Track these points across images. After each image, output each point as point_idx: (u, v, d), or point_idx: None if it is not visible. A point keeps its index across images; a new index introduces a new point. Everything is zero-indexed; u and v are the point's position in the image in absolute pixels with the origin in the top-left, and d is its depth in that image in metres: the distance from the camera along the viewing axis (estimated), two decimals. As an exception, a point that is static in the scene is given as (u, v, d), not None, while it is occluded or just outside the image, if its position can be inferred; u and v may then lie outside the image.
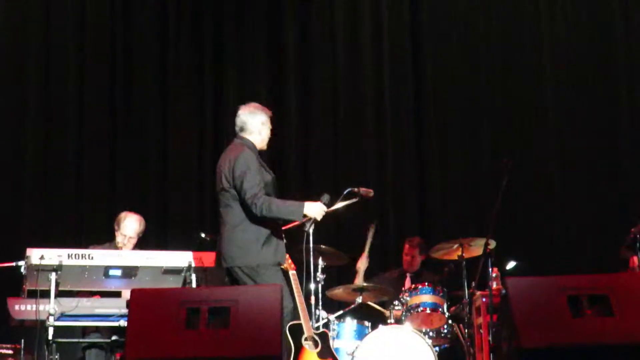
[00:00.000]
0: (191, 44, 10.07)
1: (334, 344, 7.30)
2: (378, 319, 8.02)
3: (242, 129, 6.53)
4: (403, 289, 8.02)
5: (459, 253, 7.90)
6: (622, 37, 10.10)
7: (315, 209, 6.38)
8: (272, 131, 6.68)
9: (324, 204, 6.45)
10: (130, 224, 7.51)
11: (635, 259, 8.09)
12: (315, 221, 6.49)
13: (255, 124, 6.51)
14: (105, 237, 7.71)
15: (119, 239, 7.49)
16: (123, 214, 7.60)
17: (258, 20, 10.20)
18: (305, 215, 6.35)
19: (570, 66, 10.11)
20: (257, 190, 6.22)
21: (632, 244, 8.14)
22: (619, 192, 9.60)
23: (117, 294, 6.87)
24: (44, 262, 6.29)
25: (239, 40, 10.12)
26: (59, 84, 9.76)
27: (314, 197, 9.23)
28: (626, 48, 10.08)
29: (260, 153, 6.57)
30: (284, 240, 6.45)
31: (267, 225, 6.30)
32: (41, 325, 6.31)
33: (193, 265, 6.53)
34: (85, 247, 7.14)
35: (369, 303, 8.17)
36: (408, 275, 8.84)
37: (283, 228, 6.52)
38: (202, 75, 10.05)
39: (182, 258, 6.56)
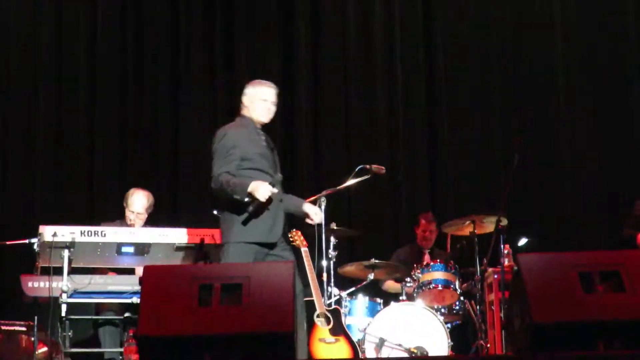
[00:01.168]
0: (202, 22, 10.06)
1: (346, 320, 7.33)
2: (390, 296, 8.05)
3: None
4: (421, 265, 8.02)
5: (471, 230, 7.90)
6: (634, 23, 10.07)
7: (259, 189, 6.07)
8: (278, 106, 6.62)
9: (271, 184, 6.21)
10: (138, 200, 7.54)
11: (642, 236, 8.09)
12: (259, 202, 6.09)
13: (245, 99, 6.51)
14: (118, 214, 7.74)
15: (129, 216, 7.52)
16: (131, 191, 7.63)
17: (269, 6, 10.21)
18: (250, 195, 6.06)
19: (582, 43, 10.09)
20: (218, 167, 6.19)
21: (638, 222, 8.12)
22: (630, 170, 9.58)
23: (130, 271, 6.90)
24: (56, 239, 6.32)
25: (249, 19, 10.13)
26: (71, 64, 9.77)
27: (325, 175, 9.32)
28: (638, 33, 10.05)
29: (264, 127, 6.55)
30: (279, 218, 6.30)
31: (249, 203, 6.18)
32: (54, 302, 6.34)
33: (205, 242, 6.54)
34: (97, 224, 7.17)
35: None
36: (426, 251, 8.85)
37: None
38: (213, 52, 10.03)
39: (194, 235, 6.57)
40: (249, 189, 6.04)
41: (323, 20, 10.14)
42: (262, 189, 6.05)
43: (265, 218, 6.20)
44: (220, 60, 9.98)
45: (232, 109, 9.68)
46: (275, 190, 6.15)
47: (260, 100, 6.46)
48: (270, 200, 6.13)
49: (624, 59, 10.01)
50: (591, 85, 9.99)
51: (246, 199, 6.06)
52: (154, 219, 7.73)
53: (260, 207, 6.13)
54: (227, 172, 6.16)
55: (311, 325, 7.03)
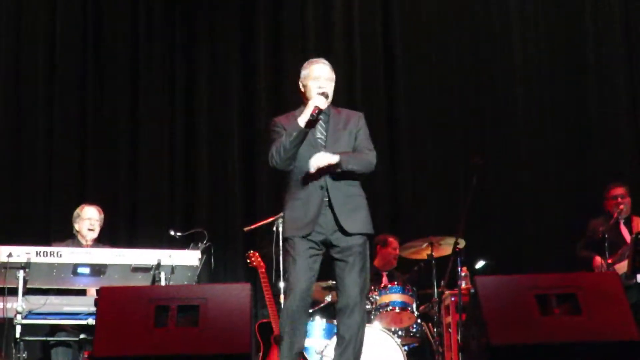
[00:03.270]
0: (163, 30, 10.08)
1: (303, 342, 7.28)
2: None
3: None
4: (379, 287, 8.02)
5: (429, 252, 7.92)
6: (591, 32, 10.19)
7: (313, 101, 5.60)
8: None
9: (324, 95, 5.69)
10: (90, 210, 7.48)
11: (599, 258, 8.12)
12: (318, 108, 5.54)
13: (300, 85, 5.91)
14: (71, 233, 7.65)
15: (84, 226, 7.41)
16: (79, 207, 7.57)
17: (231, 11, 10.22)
18: (309, 122, 5.54)
19: (541, 63, 10.19)
20: (268, 152, 5.63)
21: (596, 243, 8.14)
22: (587, 192, 9.64)
23: (84, 292, 6.83)
24: (11, 259, 6.23)
25: (211, 23, 10.17)
26: (29, 78, 9.67)
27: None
28: (596, 45, 10.16)
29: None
30: (314, 207, 5.57)
31: (291, 187, 5.67)
32: (9, 323, 6.27)
33: (162, 263, 6.49)
34: (48, 244, 7.09)
35: None
36: (384, 273, 8.83)
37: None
38: (174, 74, 10.02)
39: (151, 256, 6.52)
40: (299, 121, 5.55)
41: (283, 35, 10.18)
42: (316, 99, 5.62)
43: (297, 207, 5.62)
44: (181, 83, 9.97)
45: (192, 126, 9.81)
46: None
47: (311, 80, 5.80)
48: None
49: (582, 78, 10.13)
50: (550, 104, 10.08)
51: (306, 122, 5.56)
52: (110, 239, 7.65)
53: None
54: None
55: (268, 346, 6.99)
